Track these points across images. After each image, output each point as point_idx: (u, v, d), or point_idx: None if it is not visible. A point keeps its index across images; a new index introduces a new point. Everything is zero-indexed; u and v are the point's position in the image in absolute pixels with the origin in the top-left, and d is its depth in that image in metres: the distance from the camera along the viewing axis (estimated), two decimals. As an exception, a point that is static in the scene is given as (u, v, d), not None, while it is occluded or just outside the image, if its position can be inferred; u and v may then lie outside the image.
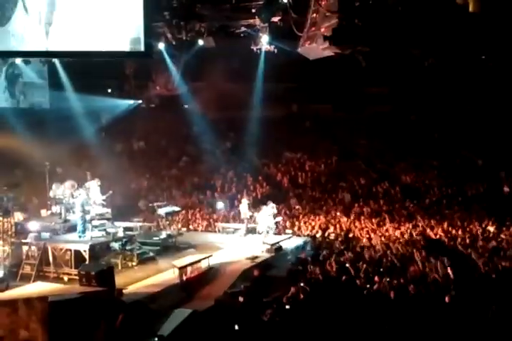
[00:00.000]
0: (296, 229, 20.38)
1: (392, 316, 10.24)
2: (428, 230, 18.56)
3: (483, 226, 18.71)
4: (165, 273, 15.03)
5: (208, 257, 15.69)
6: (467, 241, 17.00)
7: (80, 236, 15.94)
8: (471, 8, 11.60)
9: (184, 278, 14.47)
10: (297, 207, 22.64)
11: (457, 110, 25.93)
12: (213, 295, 13.92)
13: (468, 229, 18.58)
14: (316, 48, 14.08)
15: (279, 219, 19.84)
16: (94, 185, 17.61)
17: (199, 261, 15.36)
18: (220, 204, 22.87)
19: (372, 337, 9.70)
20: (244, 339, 10.30)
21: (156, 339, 10.37)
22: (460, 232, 18.16)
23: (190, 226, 21.54)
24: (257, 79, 25.02)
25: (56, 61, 20.75)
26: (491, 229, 18.27)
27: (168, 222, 19.46)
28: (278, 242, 18.04)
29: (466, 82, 23.67)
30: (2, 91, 20.08)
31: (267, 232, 18.72)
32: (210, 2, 14.98)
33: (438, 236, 17.79)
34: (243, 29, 16.34)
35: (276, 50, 17.37)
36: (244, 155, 26.90)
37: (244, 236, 19.69)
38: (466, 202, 21.66)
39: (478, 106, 25.48)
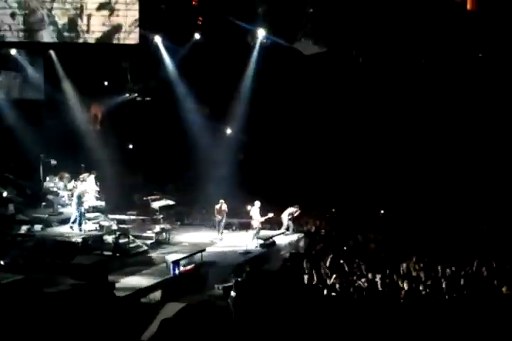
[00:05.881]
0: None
1: (385, 312, 10.23)
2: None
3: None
4: (158, 267, 15.03)
5: (201, 251, 15.70)
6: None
7: (71, 228, 15.92)
8: (468, 7, 11.61)
9: (177, 272, 14.47)
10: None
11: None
12: (206, 290, 13.95)
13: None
14: (311, 44, 14.08)
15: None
16: (89, 177, 17.57)
17: (192, 255, 15.37)
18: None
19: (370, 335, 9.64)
20: (237, 333, 10.30)
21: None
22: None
23: (185, 221, 21.52)
24: (250, 74, 24.79)
25: (52, 53, 20.67)
26: None
27: (162, 216, 19.42)
28: (271, 237, 18.06)
29: (462, 81, 23.52)
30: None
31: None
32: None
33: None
34: (240, 23, 16.32)
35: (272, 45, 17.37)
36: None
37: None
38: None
39: (475, 106, 25.21)
